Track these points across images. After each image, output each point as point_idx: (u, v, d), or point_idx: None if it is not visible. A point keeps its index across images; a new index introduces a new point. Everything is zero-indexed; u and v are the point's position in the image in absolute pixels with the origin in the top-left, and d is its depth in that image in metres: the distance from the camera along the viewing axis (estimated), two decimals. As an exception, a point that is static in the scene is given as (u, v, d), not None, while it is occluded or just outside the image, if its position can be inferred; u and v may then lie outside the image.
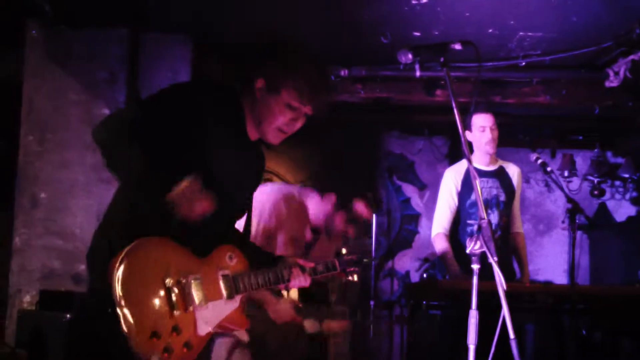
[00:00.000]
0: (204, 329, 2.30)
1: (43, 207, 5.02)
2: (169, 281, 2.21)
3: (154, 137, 2.23)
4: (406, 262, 7.12)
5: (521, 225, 4.79)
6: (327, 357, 5.34)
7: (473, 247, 2.46)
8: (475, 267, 2.47)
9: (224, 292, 2.39)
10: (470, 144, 4.63)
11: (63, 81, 5.16)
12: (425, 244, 6.95)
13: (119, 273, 2.10)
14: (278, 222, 3.79)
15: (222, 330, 2.43)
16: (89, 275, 2.39)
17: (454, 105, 2.56)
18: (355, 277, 3.05)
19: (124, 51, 5.23)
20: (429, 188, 7.19)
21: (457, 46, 2.64)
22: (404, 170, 7.33)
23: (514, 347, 2.32)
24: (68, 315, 4.00)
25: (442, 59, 2.62)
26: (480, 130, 4.50)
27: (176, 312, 2.21)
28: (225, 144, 2.43)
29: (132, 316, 2.09)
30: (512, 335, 2.32)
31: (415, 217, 7.19)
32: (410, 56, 2.70)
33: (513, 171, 4.68)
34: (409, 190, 7.34)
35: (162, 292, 2.19)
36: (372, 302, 6.21)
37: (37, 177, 5.05)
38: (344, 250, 3.66)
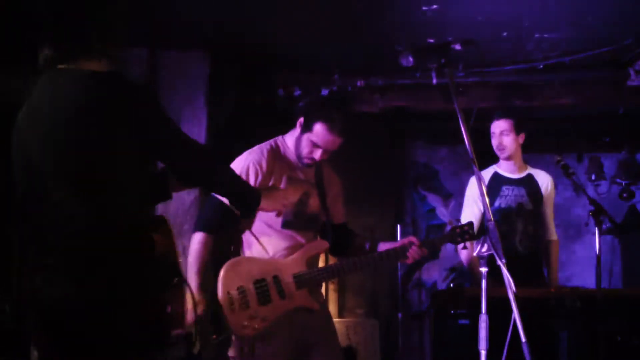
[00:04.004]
0: None
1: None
2: None
3: None
4: (433, 273, 7.01)
5: (554, 233, 4.73)
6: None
7: (480, 249, 2.43)
8: (484, 270, 2.44)
9: None
10: None
11: (83, 103, 5.20)
12: (452, 253, 6.84)
13: None
14: None
15: None
16: None
17: (456, 107, 2.53)
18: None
19: (144, 71, 5.24)
20: (454, 197, 7.10)
21: (458, 46, 2.61)
22: (429, 180, 7.25)
23: (525, 350, 2.27)
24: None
25: (443, 60, 2.60)
26: (492, 137, 4.50)
27: None
28: None
29: None
30: (523, 338, 2.27)
31: (441, 227, 7.09)
32: (411, 59, 2.68)
33: (543, 179, 4.63)
34: (434, 199, 7.25)
35: None
36: (400, 314, 6.13)
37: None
38: None
